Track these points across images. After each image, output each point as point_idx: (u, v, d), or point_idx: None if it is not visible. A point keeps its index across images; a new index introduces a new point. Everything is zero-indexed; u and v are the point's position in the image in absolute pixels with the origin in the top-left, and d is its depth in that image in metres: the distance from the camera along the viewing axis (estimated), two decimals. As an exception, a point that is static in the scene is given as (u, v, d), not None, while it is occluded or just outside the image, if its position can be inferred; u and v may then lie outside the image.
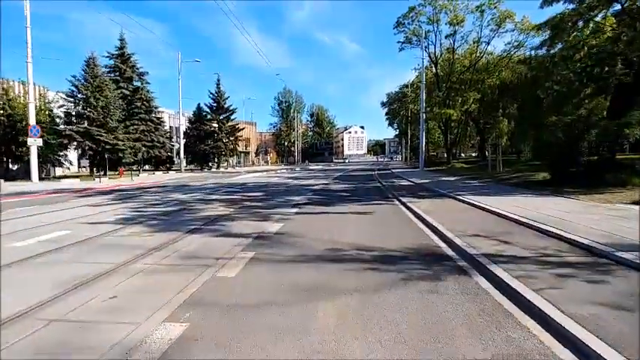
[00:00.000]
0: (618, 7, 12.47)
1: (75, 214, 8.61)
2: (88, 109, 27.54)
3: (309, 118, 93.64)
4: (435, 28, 32.94)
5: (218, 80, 46.68)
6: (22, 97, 25.58)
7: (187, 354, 2.39)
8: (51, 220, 7.67)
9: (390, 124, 63.75)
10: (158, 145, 36.06)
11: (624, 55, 11.95)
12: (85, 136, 27.07)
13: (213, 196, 12.72)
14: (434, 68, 35.72)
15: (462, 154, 57.92)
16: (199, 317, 2.94)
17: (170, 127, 45.88)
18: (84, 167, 34.19)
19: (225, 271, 4.11)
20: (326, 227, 6.66)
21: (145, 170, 36.61)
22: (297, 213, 8.49)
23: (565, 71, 12.96)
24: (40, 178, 23.90)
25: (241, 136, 50.53)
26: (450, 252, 4.82)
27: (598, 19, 12.67)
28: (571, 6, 12.61)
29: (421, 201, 9.78)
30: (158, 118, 37.75)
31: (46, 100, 28.14)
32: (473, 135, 49.25)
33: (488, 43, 32.81)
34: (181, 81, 36.87)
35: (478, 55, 33.32)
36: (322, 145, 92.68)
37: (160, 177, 28.45)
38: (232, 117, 48.35)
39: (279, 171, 37.52)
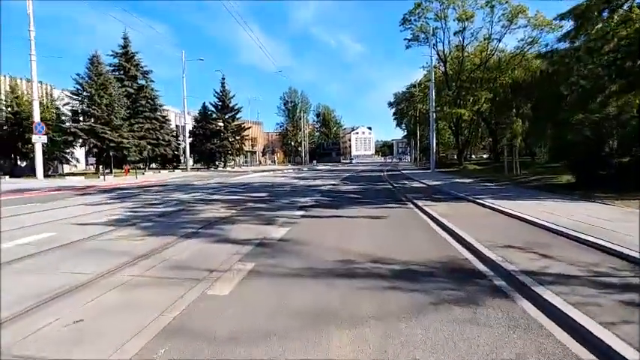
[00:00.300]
0: None
1: (67, 214, 8.11)
2: (93, 107, 27.34)
3: (315, 119, 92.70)
4: (443, 25, 31.58)
5: (223, 79, 46.46)
6: (28, 95, 25.48)
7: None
8: (38, 221, 7.15)
9: (398, 125, 62.60)
10: (163, 143, 35.80)
11: None
12: (89, 134, 26.89)
13: (216, 196, 12.16)
14: (442, 66, 34.41)
15: (473, 156, 56.58)
16: (179, 353, 2.32)
17: (176, 125, 45.67)
18: (91, 165, 34.06)
19: (218, 288, 3.48)
20: (335, 233, 6.01)
21: (151, 169, 36.43)
22: (303, 216, 7.85)
23: (591, 65, 12.03)
24: (46, 176, 23.73)
25: (247, 135, 50.12)
26: (481, 266, 4.13)
27: (625, 7, 11.74)
28: None
29: (438, 204, 9.04)
30: (163, 117, 37.52)
31: (52, 98, 28.07)
32: (484, 136, 47.98)
33: (500, 40, 31.27)
34: (186, 80, 36.82)
35: (489, 52, 31.85)
36: (329, 145, 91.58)
37: (165, 175, 28.10)
38: (238, 116, 48.10)
39: (285, 171, 36.91)
